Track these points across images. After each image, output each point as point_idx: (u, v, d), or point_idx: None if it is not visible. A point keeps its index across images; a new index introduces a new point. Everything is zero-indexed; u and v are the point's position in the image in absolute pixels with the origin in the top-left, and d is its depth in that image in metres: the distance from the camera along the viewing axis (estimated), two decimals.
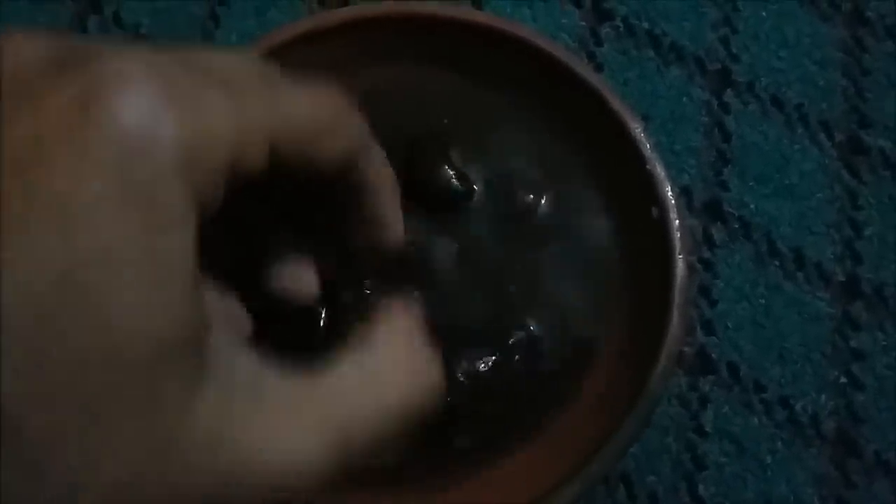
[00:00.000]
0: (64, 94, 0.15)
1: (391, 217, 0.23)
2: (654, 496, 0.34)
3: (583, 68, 0.29)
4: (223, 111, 0.17)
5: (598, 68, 0.39)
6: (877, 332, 0.36)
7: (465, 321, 0.28)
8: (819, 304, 0.36)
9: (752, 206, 0.37)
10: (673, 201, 0.28)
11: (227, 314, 0.21)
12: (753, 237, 0.37)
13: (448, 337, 0.27)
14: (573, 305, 0.29)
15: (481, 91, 0.31)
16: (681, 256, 0.27)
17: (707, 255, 0.37)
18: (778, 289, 0.36)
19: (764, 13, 0.40)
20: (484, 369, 0.27)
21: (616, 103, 0.29)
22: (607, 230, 0.29)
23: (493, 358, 0.27)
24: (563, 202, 0.30)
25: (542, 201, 0.29)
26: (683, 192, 0.37)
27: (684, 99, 0.39)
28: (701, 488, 0.34)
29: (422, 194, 0.28)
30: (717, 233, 0.37)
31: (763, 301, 0.36)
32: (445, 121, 0.29)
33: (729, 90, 0.39)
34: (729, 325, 0.36)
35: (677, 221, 0.28)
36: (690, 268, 0.27)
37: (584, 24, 0.40)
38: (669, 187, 0.28)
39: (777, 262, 0.36)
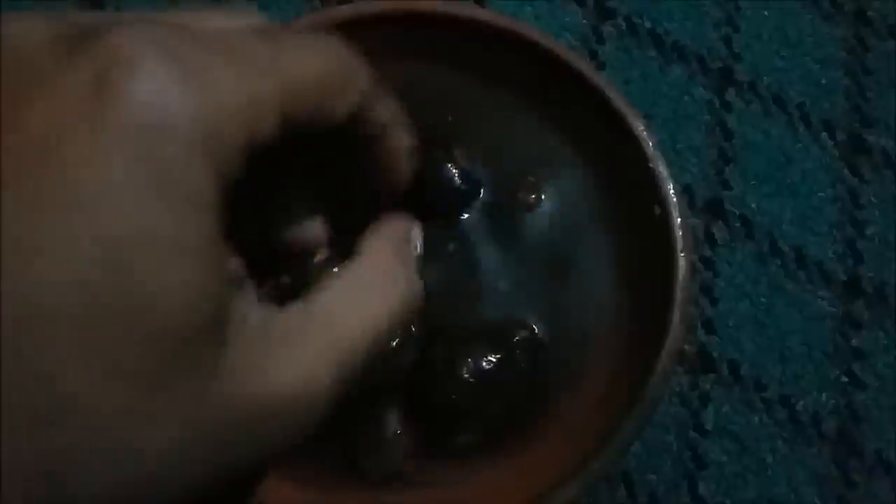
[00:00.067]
0: (76, 78, 0.15)
1: (401, 161, 0.24)
2: (655, 495, 0.34)
3: (585, 67, 0.29)
4: (236, 86, 0.17)
5: (601, 67, 0.39)
6: (878, 332, 0.36)
7: (467, 320, 0.28)
8: (820, 303, 0.36)
9: (753, 204, 0.37)
10: (675, 200, 0.28)
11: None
12: (755, 236, 0.37)
13: (452, 336, 0.27)
14: (575, 304, 0.29)
15: (482, 89, 0.30)
16: (682, 255, 0.27)
17: (708, 253, 0.37)
18: (779, 288, 0.36)
19: (766, 12, 0.40)
20: (489, 367, 0.27)
21: (618, 102, 0.29)
22: (609, 228, 0.29)
23: (497, 357, 0.27)
24: (565, 200, 0.30)
25: (544, 200, 0.29)
26: (685, 191, 0.37)
27: (686, 98, 0.39)
28: (701, 487, 0.34)
29: (426, 193, 0.28)
30: (719, 231, 0.37)
31: (764, 300, 0.36)
32: (450, 118, 0.29)
33: (731, 89, 0.39)
34: (730, 323, 0.36)
35: (679, 220, 0.28)
36: (692, 266, 0.27)
37: (586, 22, 0.40)
38: (671, 186, 0.28)
39: (778, 261, 0.36)
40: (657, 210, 0.28)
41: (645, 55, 0.39)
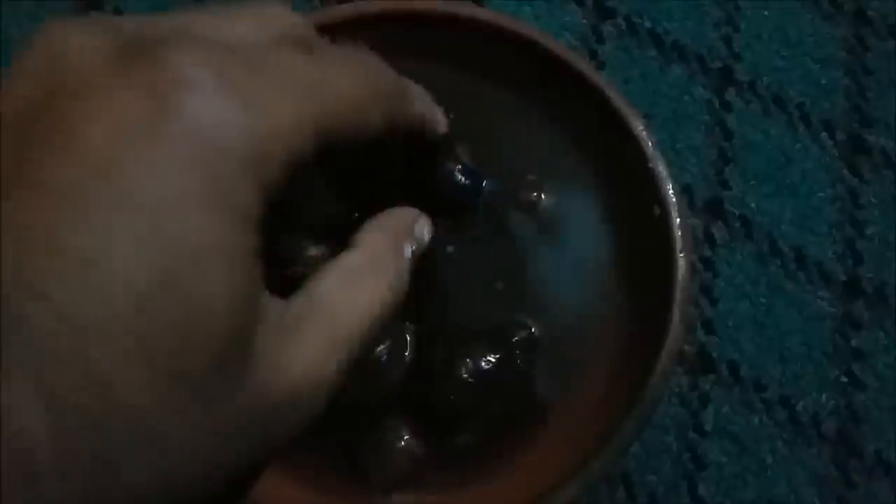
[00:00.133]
0: (135, 94, 0.16)
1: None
2: (654, 495, 0.34)
3: (585, 66, 0.29)
4: (282, 109, 0.18)
5: (600, 66, 0.39)
6: (878, 332, 0.36)
7: (466, 320, 0.28)
8: (820, 304, 0.36)
9: (753, 204, 0.37)
10: (674, 200, 0.28)
11: None
12: (754, 236, 0.37)
13: (451, 336, 0.27)
14: (574, 304, 0.29)
15: (482, 89, 0.30)
16: (682, 255, 0.27)
17: (708, 253, 0.37)
18: (779, 288, 0.36)
19: (766, 12, 0.40)
20: (487, 367, 0.27)
21: (618, 101, 0.29)
22: (608, 228, 0.29)
23: (496, 357, 0.27)
24: (565, 200, 0.30)
25: (544, 199, 0.29)
26: (685, 191, 0.37)
27: (686, 97, 0.39)
28: (701, 488, 0.34)
29: (430, 190, 0.28)
30: (719, 232, 0.37)
31: (764, 300, 0.36)
32: (450, 116, 0.29)
33: (731, 89, 0.39)
34: (729, 324, 0.36)
35: (678, 220, 0.27)
36: (691, 266, 0.27)
37: (585, 22, 0.40)
38: (671, 186, 0.28)
39: (778, 262, 0.36)
40: (657, 210, 0.28)
41: (645, 55, 0.39)
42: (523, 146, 0.30)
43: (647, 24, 0.39)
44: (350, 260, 0.21)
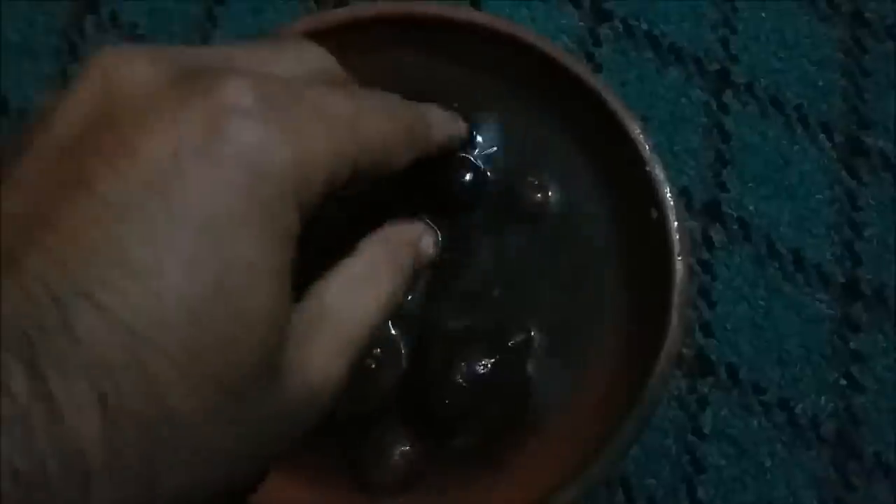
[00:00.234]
0: (191, 118, 0.17)
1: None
2: (653, 499, 0.34)
3: (582, 69, 0.29)
4: (323, 141, 0.19)
5: (597, 69, 0.39)
6: (877, 334, 0.36)
7: (464, 323, 0.28)
8: (819, 306, 0.36)
9: (751, 207, 0.37)
10: (672, 203, 0.28)
11: None
12: (753, 238, 0.37)
13: (448, 339, 0.27)
14: (572, 307, 0.29)
15: (480, 91, 0.30)
16: (680, 258, 0.27)
17: (706, 256, 0.36)
18: (777, 290, 0.36)
19: (763, 14, 0.40)
20: (483, 371, 0.27)
21: (615, 104, 0.29)
22: (606, 231, 0.29)
23: (493, 359, 0.27)
24: (562, 203, 0.29)
25: (541, 201, 0.29)
26: (682, 194, 0.37)
27: (683, 100, 0.38)
28: (700, 491, 0.34)
29: (434, 195, 0.28)
30: (717, 234, 0.37)
31: (762, 303, 0.36)
32: None
33: (728, 91, 0.39)
34: (728, 326, 0.36)
35: (676, 223, 0.27)
36: (689, 269, 0.27)
37: (582, 24, 0.40)
38: (668, 189, 0.28)
39: (776, 264, 0.36)
40: (654, 213, 0.28)
41: (642, 57, 0.39)
42: (520, 149, 0.30)
43: (644, 27, 0.39)
44: (353, 266, 0.22)
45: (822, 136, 0.38)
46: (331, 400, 0.20)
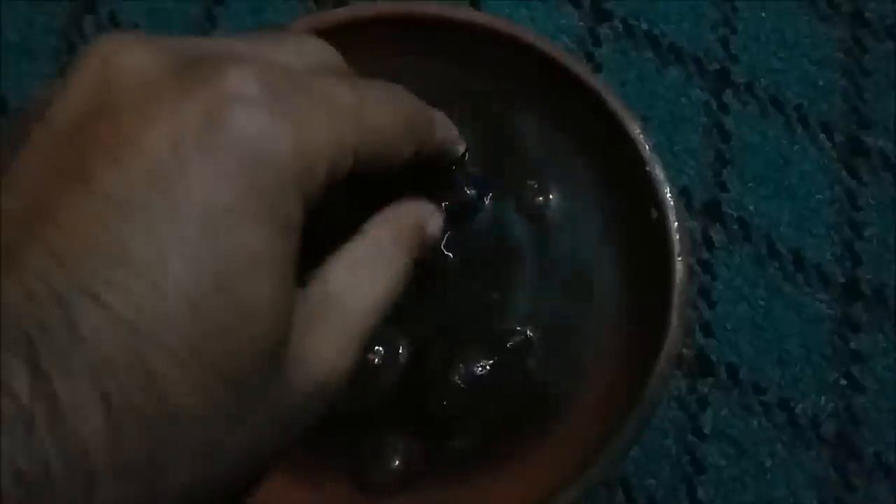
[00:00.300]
0: (190, 108, 0.17)
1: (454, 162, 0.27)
2: (654, 499, 0.34)
3: (581, 69, 0.29)
4: (326, 130, 0.19)
5: (597, 69, 0.39)
6: (877, 334, 0.36)
7: (463, 324, 0.28)
8: (819, 306, 0.36)
9: (751, 207, 0.37)
10: (672, 203, 0.28)
11: None
12: (753, 238, 0.37)
13: (447, 340, 0.27)
14: (572, 307, 0.29)
15: (480, 91, 0.30)
16: (680, 258, 0.27)
17: (706, 256, 0.36)
18: (777, 290, 0.36)
19: (763, 14, 0.40)
20: (482, 372, 0.27)
21: (615, 104, 0.29)
22: (605, 232, 0.29)
23: (492, 360, 0.27)
24: (561, 203, 0.29)
25: (541, 202, 0.29)
26: (682, 193, 0.37)
27: (683, 100, 0.38)
28: (700, 491, 0.34)
29: (437, 201, 0.28)
30: (717, 234, 0.37)
31: (762, 303, 0.36)
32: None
33: (728, 91, 0.39)
34: (728, 326, 0.36)
35: (676, 223, 0.27)
36: (689, 270, 0.27)
37: (582, 24, 0.39)
38: (668, 189, 0.28)
39: (776, 264, 0.36)
40: (654, 213, 0.28)
41: (642, 57, 0.39)
42: (520, 149, 0.30)
43: (644, 27, 0.39)
44: (355, 250, 0.22)
45: (822, 135, 0.38)
46: (337, 391, 0.20)
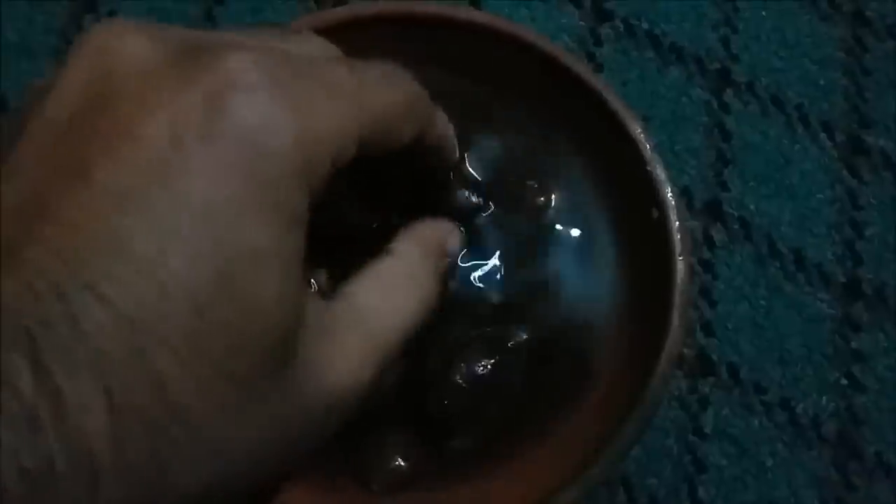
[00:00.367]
0: (190, 97, 0.16)
1: (450, 163, 0.27)
2: (655, 499, 0.34)
3: (582, 69, 0.29)
4: (328, 116, 0.18)
5: (598, 69, 0.39)
6: (878, 334, 0.36)
7: (464, 325, 0.28)
8: (820, 306, 0.36)
9: (752, 206, 0.37)
10: (673, 203, 0.28)
11: None
12: (754, 238, 0.37)
13: (448, 341, 0.27)
14: (573, 307, 0.29)
15: (479, 92, 0.30)
16: (681, 258, 0.27)
17: (707, 255, 0.36)
18: (778, 290, 0.36)
19: (764, 13, 0.40)
20: (483, 372, 0.27)
21: (616, 104, 0.28)
22: (607, 231, 0.29)
23: (493, 360, 0.27)
24: (562, 203, 0.29)
25: (542, 202, 0.29)
26: (683, 193, 0.37)
27: (684, 99, 0.38)
28: (701, 490, 0.34)
29: (437, 205, 0.28)
30: (717, 234, 0.37)
31: (763, 302, 0.36)
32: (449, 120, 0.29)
33: (729, 90, 0.39)
34: (729, 326, 0.36)
35: (677, 223, 0.27)
36: (690, 269, 0.27)
37: (583, 24, 0.39)
38: (669, 189, 0.28)
39: (777, 263, 0.36)
40: (655, 213, 0.28)
41: (643, 57, 0.39)
42: (521, 149, 0.30)
43: (645, 26, 0.39)
44: (387, 267, 0.22)
45: (823, 135, 0.38)
46: (355, 406, 0.19)
